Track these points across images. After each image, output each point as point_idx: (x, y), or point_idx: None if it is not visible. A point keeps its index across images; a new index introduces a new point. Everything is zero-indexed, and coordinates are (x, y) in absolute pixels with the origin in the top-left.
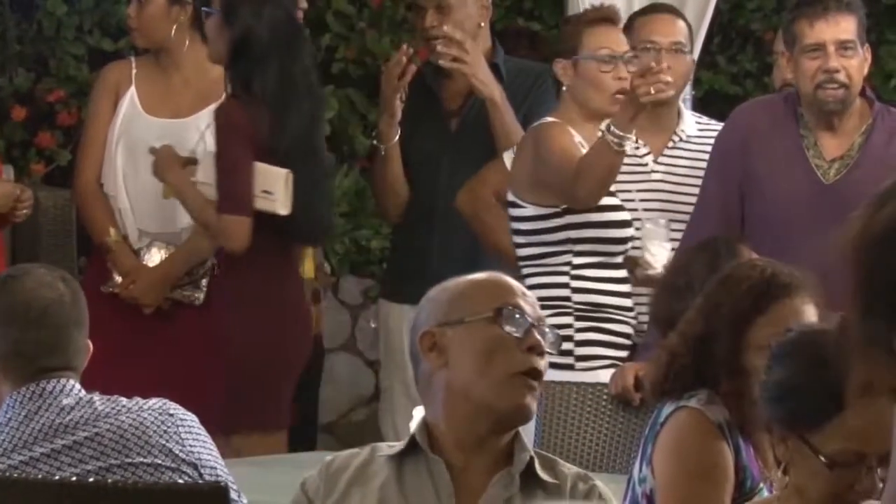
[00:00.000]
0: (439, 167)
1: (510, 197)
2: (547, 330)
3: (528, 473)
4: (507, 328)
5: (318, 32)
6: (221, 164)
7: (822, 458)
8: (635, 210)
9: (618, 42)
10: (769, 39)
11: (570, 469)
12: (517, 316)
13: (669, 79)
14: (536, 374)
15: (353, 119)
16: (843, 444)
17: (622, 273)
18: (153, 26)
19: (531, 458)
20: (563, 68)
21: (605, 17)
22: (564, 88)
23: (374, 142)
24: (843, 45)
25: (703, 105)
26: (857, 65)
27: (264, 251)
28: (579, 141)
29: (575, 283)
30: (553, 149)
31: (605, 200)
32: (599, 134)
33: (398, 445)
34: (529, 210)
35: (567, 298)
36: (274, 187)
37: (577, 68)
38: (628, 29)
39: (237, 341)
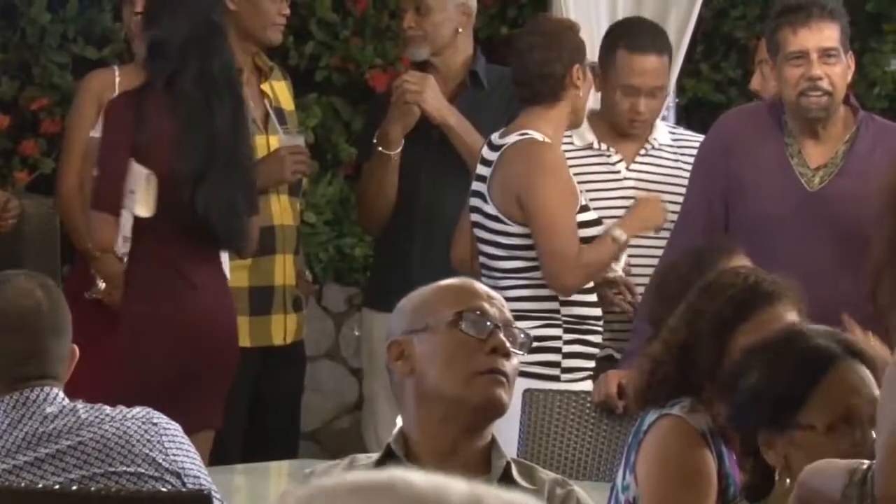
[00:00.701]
0: (420, 176)
1: (492, 211)
2: (516, 331)
3: (506, 480)
4: (469, 331)
5: (302, 40)
6: (98, 160)
7: (818, 427)
8: (609, 217)
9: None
10: (753, 47)
11: (547, 475)
12: (479, 319)
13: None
14: (500, 373)
15: (337, 127)
16: (831, 408)
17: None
18: None
19: (508, 464)
20: (595, 76)
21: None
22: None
23: (380, 148)
24: (826, 53)
25: (686, 113)
26: (840, 72)
27: (170, 251)
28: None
29: (564, 296)
30: (546, 191)
31: (584, 216)
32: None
33: (375, 455)
34: (513, 228)
35: (556, 311)
36: (136, 186)
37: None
38: (610, 54)
39: (133, 344)
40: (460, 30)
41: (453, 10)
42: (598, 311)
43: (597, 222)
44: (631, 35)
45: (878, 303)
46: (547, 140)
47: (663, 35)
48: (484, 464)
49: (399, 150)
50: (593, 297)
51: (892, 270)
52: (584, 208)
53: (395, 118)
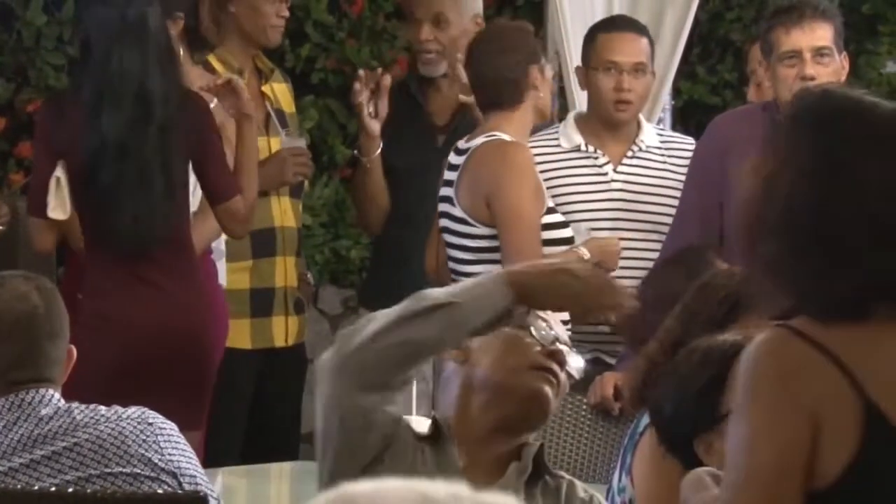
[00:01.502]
0: (424, 181)
1: (459, 213)
2: (573, 355)
3: (535, 468)
4: (536, 335)
5: (298, 42)
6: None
7: None
8: (596, 219)
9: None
10: (748, 50)
11: (576, 482)
12: (548, 332)
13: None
14: (553, 374)
15: (333, 129)
16: None
17: None
18: None
19: (540, 449)
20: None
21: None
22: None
23: (357, 153)
24: (819, 53)
25: (682, 115)
26: (833, 72)
27: (110, 250)
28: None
29: None
30: (513, 191)
31: (550, 218)
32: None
33: (424, 427)
34: (479, 230)
35: None
36: (49, 189)
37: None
38: (591, 42)
39: (90, 338)
40: None
41: (469, 21)
42: (565, 315)
43: (563, 224)
44: (606, 21)
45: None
46: (515, 140)
47: (641, 24)
48: (508, 464)
49: (376, 154)
50: None
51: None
52: (551, 210)
53: (368, 125)
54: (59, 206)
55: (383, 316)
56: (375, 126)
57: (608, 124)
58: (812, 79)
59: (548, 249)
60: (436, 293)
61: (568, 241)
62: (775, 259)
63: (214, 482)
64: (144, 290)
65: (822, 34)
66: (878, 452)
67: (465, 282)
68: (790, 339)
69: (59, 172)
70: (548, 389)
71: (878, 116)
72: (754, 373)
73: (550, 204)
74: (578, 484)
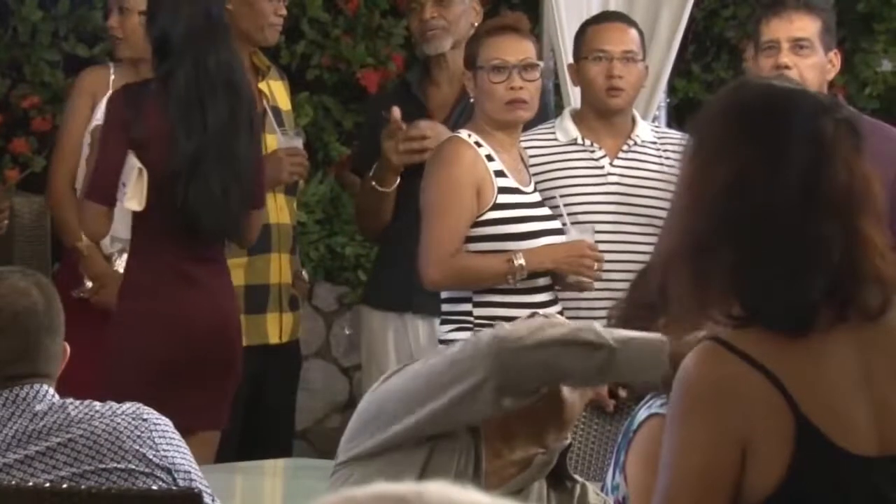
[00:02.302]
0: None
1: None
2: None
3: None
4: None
5: (294, 40)
6: (97, 151)
7: None
8: (593, 212)
9: (514, 51)
10: (744, 48)
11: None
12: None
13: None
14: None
15: (328, 126)
16: None
17: (539, 282)
18: (139, 36)
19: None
20: (467, 79)
21: (504, 25)
22: (472, 99)
23: (373, 183)
24: (797, 44)
25: (677, 113)
26: (811, 64)
27: (169, 248)
28: (485, 153)
29: (476, 297)
30: (434, 179)
31: (495, 214)
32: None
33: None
34: None
35: (468, 313)
36: (128, 180)
37: (476, 79)
38: (580, 36)
39: (125, 341)
40: (474, 24)
41: (469, 2)
42: (514, 312)
43: (510, 220)
44: (596, 15)
45: (665, 295)
46: (465, 138)
47: (630, 18)
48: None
49: (395, 186)
50: (512, 298)
51: (682, 266)
52: (500, 206)
53: (395, 164)
54: (135, 198)
55: (553, 328)
56: (401, 163)
57: (602, 115)
58: (787, 68)
59: (496, 245)
60: (605, 334)
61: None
62: (731, 265)
63: (209, 478)
64: (192, 288)
65: (801, 25)
66: (810, 467)
67: (639, 334)
68: (723, 356)
69: (138, 164)
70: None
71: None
72: (686, 388)
73: (499, 201)
74: (591, 487)
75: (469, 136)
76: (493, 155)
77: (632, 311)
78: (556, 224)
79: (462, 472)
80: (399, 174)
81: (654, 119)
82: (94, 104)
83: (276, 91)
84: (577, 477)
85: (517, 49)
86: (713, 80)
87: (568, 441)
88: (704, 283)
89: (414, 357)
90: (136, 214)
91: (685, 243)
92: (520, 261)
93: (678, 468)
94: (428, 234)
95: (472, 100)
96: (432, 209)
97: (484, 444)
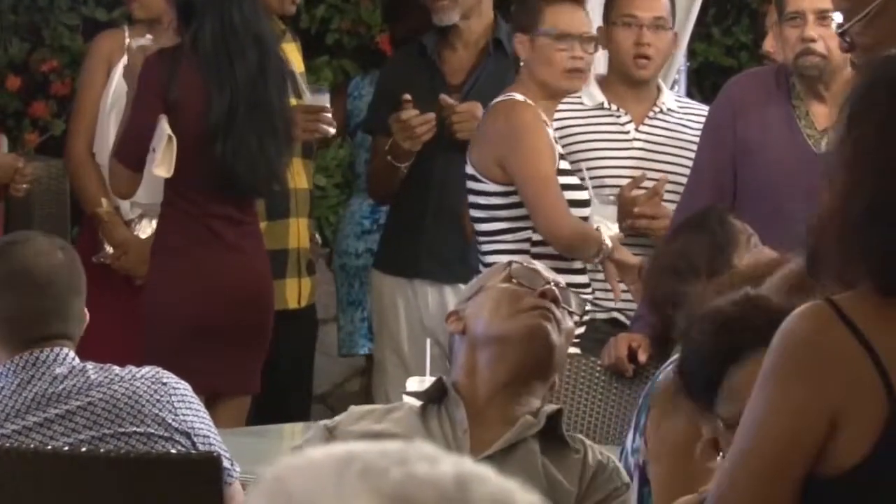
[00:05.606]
0: (436, 148)
1: (470, 170)
2: (571, 294)
3: (550, 430)
4: (521, 280)
5: (313, 4)
6: (127, 113)
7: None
8: (617, 177)
9: (578, 22)
10: (764, 11)
11: (593, 446)
12: (531, 273)
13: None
14: (547, 310)
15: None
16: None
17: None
18: None
19: (557, 413)
20: (521, 43)
21: None
22: (522, 63)
23: (389, 158)
24: (822, 15)
25: (697, 77)
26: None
27: (202, 210)
28: (543, 120)
29: (561, 251)
30: (527, 147)
31: (565, 179)
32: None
33: (417, 403)
34: (490, 186)
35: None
36: (158, 146)
37: (534, 44)
38: (610, 2)
39: (160, 300)
40: None
41: None
42: (579, 278)
43: (586, 203)
44: None
45: (815, 261)
46: (527, 101)
47: None
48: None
49: (411, 161)
50: (577, 265)
51: (836, 229)
52: (566, 172)
53: (408, 149)
54: (164, 164)
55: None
56: (418, 144)
57: (629, 83)
58: (812, 41)
59: None
60: None
61: (583, 203)
62: (858, 224)
63: (228, 442)
64: (229, 251)
65: None
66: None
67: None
68: (830, 322)
69: (168, 130)
70: (545, 324)
71: None
72: (785, 351)
73: (565, 166)
74: (593, 447)
75: (525, 99)
76: (546, 121)
77: (657, 278)
78: (584, 195)
79: (446, 434)
80: (415, 153)
81: (674, 83)
82: (109, 68)
83: (290, 53)
84: (579, 436)
85: (580, 21)
86: (733, 44)
87: (558, 407)
88: (854, 261)
89: (423, 323)
90: (169, 179)
91: (837, 222)
92: (608, 242)
93: (766, 426)
94: (543, 201)
95: (521, 63)
96: (538, 171)
97: (464, 408)
